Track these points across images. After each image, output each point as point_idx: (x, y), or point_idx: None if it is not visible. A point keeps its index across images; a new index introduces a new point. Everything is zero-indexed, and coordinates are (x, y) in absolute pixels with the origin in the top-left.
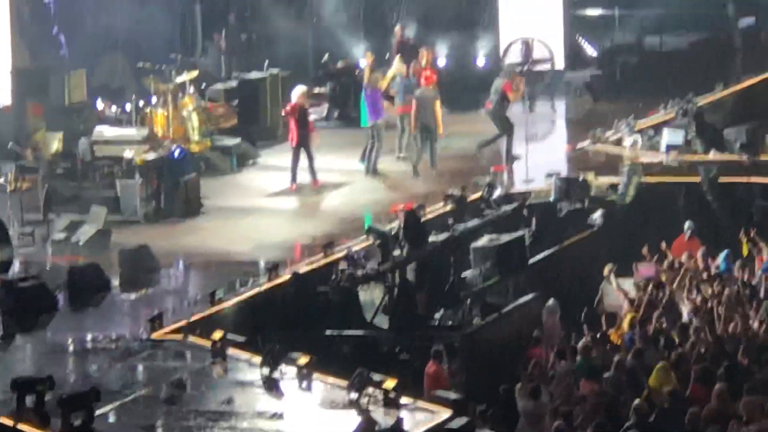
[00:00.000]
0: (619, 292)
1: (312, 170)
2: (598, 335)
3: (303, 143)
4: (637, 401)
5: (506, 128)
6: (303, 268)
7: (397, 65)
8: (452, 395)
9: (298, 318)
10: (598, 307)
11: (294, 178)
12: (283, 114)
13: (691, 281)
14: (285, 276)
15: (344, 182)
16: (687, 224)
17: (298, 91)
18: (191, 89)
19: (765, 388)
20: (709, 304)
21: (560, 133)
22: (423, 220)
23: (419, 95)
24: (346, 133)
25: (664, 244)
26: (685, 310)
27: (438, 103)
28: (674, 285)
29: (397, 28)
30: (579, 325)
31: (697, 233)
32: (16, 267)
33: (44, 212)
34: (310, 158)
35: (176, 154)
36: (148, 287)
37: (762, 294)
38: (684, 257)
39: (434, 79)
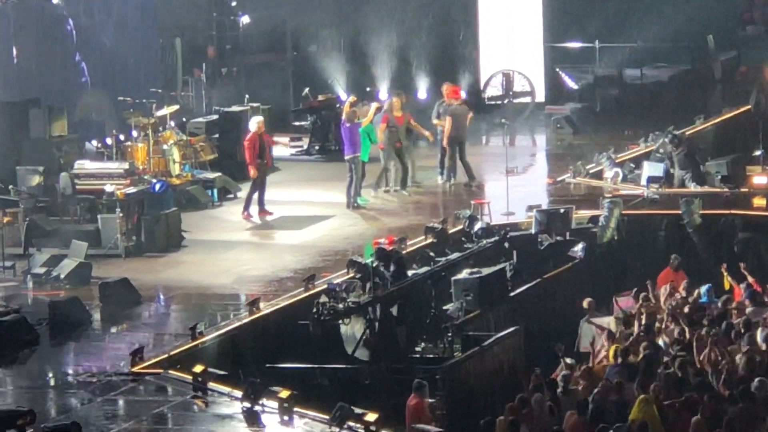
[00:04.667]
0: (597, 330)
1: (262, 200)
2: (581, 367)
3: (261, 173)
4: None
5: None
6: (284, 302)
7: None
8: (433, 429)
9: (279, 351)
10: (578, 342)
11: (262, 206)
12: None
13: (671, 314)
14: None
15: (325, 215)
16: (673, 257)
17: (255, 122)
18: (172, 123)
19: (744, 420)
20: (689, 337)
21: (541, 166)
22: (404, 252)
23: (453, 111)
24: (326, 167)
25: (649, 282)
26: (666, 342)
27: (470, 117)
28: (655, 318)
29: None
30: (559, 358)
31: (684, 266)
32: None
33: (25, 246)
34: (263, 188)
35: (157, 188)
36: (129, 321)
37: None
38: (663, 290)
39: (460, 95)
